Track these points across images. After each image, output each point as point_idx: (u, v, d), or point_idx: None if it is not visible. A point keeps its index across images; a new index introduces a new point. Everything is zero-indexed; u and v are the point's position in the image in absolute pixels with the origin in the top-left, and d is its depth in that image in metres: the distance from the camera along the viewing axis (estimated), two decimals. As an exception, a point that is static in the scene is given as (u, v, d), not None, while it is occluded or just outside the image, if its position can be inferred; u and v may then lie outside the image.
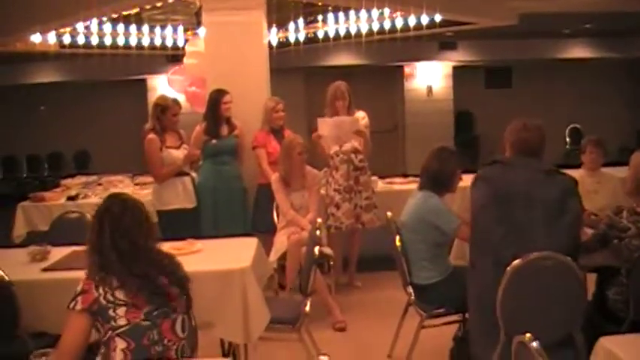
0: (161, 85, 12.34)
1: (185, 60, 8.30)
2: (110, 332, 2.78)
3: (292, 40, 8.58)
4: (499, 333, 3.44)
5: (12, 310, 3.62)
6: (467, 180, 4.93)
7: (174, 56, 9.69)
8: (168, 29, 8.56)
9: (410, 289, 4.52)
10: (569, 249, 3.44)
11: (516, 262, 3.33)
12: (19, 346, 3.51)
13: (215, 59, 7.01)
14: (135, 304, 2.79)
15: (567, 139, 15.13)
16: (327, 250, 5.94)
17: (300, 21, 8.32)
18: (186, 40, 8.63)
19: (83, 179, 8.14)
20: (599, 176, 5.80)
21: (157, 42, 8.57)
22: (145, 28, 8.31)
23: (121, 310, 2.77)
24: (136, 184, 7.58)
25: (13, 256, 4.42)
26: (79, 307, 2.78)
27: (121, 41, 8.02)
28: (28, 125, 14.62)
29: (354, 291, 6.58)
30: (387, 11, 7.79)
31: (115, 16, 7.50)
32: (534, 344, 2.20)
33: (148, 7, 7.45)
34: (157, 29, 8.51)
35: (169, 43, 8.72)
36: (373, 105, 12.23)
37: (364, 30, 8.07)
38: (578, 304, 3.46)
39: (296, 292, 4.95)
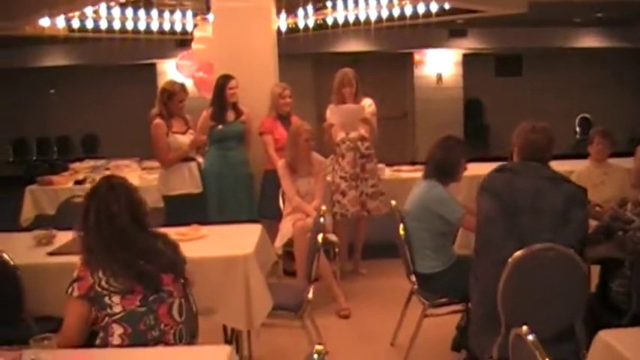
0: (170, 70, 12.33)
1: (193, 45, 8.30)
2: (107, 318, 2.81)
3: (301, 26, 8.55)
4: (500, 325, 3.43)
5: (16, 293, 3.64)
6: (473, 169, 4.95)
7: (183, 41, 9.67)
8: (177, 14, 8.54)
9: (413, 278, 4.52)
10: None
11: (518, 253, 3.32)
12: (23, 329, 3.54)
13: (223, 45, 6.99)
14: (130, 290, 2.81)
15: (577, 129, 15.05)
16: (332, 237, 5.96)
17: (310, 7, 8.29)
18: (195, 25, 8.62)
19: (91, 163, 8.16)
20: (606, 167, 5.78)
21: (166, 27, 8.55)
22: (154, 12, 8.30)
23: (117, 298, 2.80)
24: (144, 169, 7.60)
25: (19, 240, 4.45)
26: (75, 293, 2.81)
27: (129, 26, 8.00)
28: (38, 108, 14.70)
29: (359, 278, 6.60)
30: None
31: (123, 0, 7.49)
32: (530, 337, 2.20)
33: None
34: (166, 14, 8.49)
35: (178, 28, 8.69)
36: (383, 92, 12.27)
37: (373, 17, 8.03)
38: (580, 296, 3.45)
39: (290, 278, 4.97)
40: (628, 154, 5.69)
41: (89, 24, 7.66)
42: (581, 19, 12.92)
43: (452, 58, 14.71)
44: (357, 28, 8.51)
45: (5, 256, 3.67)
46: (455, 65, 14.76)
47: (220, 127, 6.40)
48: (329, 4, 8.24)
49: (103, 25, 7.75)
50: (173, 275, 2.94)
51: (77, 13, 7.43)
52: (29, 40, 10.34)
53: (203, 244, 4.21)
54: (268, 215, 6.33)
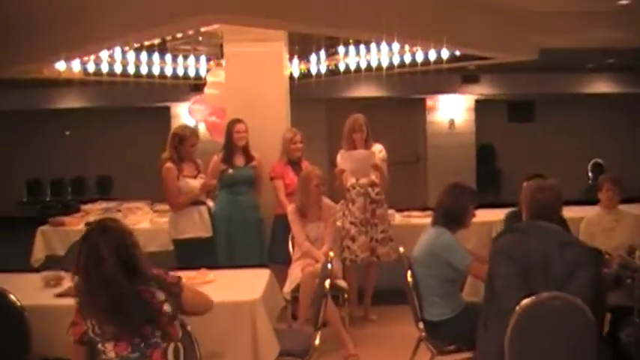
0: (184, 113, 12.46)
1: (206, 90, 8.38)
2: None
3: (314, 71, 8.64)
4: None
5: (23, 335, 3.66)
6: (482, 216, 4.95)
7: (196, 85, 9.77)
8: (191, 59, 8.64)
9: (421, 325, 4.49)
10: None
11: (525, 301, 3.30)
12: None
13: (235, 89, 7.06)
14: (120, 336, 2.81)
15: (590, 174, 15.01)
16: (342, 283, 5.94)
17: (322, 53, 8.38)
18: (208, 70, 8.71)
19: (103, 205, 8.21)
20: (616, 214, 5.77)
21: (180, 72, 8.65)
22: (168, 57, 8.40)
23: (109, 345, 2.81)
24: (155, 212, 7.61)
25: (27, 280, 4.49)
26: (71, 338, 2.82)
27: (144, 70, 8.09)
28: (53, 149, 14.87)
29: (369, 324, 6.55)
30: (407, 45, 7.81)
31: (137, 45, 7.59)
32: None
33: (169, 37, 7.53)
34: (180, 59, 8.60)
35: (192, 72, 8.80)
36: (395, 137, 12.32)
37: (385, 63, 8.10)
38: (588, 345, 3.42)
39: (309, 324, 4.94)
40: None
41: (104, 68, 7.76)
42: (593, 65, 12.96)
43: (464, 103, 14.78)
44: (369, 74, 8.58)
45: (12, 297, 3.70)
46: (467, 111, 14.82)
47: (231, 171, 6.43)
48: (341, 50, 8.33)
49: (118, 69, 7.84)
50: (149, 326, 2.88)
51: (92, 57, 7.53)
52: (46, 82, 10.45)
53: (210, 288, 4.19)
54: (278, 260, 6.32)
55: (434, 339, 4.44)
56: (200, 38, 7.92)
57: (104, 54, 7.57)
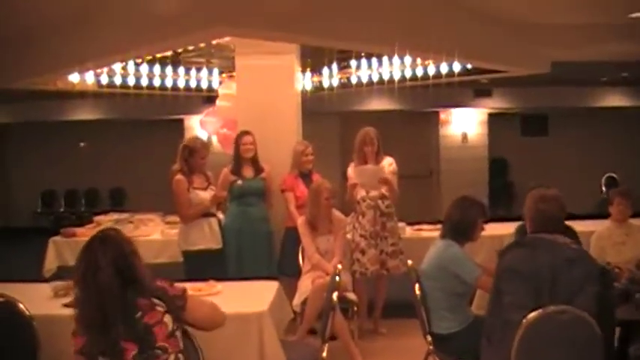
0: (198, 125, 12.50)
1: (218, 102, 8.42)
2: None
3: (326, 85, 8.67)
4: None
5: (31, 344, 3.68)
6: (492, 229, 4.93)
7: (209, 97, 9.82)
8: (204, 72, 8.70)
9: (429, 339, 4.48)
10: None
11: (532, 315, 3.29)
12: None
13: (246, 102, 7.10)
14: (119, 351, 2.80)
15: (603, 188, 14.93)
16: (351, 296, 5.94)
17: (334, 66, 8.40)
18: (221, 83, 8.76)
19: (115, 216, 8.24)
20: (627, 227, 5.72)
21: (193, 84, 8.69)
22: (181, 70, 8.45)
23: (106, 358, 2.79)
24: (167, 223, 7.63)
25: (37, 290, 4.51)
26: (72, 349, 2.82)
27: (157, 82, 8.14)
28: (67, 161, 14.96)
29: (378, 338, 6.54)
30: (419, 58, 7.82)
31: (150, 57, 7.64)
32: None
33: (180, 50, 7.57)
34: (193, 71, 8.64)
35: (204, 85, 8.85)
36: (408, 151, 12.32)
37: (397, 76, 8.11)
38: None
39: (312, 337, 4.95)
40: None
41: (117, 80, 7.80)
42: (607, 79, 12.92)
43: (477, 117, 14.76)
44: (382, 87, 8.59)
45: (21, 306, 3.72)
46: (480, 124, 14.79)
47: (240, 182, 6.45)
48: (353, 63, 8.35)
49: (131, 81, 7.90)
50: (146, 338, 2.85)
51: (106, 70, 7.58)
52: (60, 94, 10.54)
53: (218, 300, 4.17)
54: (288, 272, 6.33)
55: (442, 352, 4.42)
56: (212, 51, 7.95)
57: (117, 66, 7.62)
